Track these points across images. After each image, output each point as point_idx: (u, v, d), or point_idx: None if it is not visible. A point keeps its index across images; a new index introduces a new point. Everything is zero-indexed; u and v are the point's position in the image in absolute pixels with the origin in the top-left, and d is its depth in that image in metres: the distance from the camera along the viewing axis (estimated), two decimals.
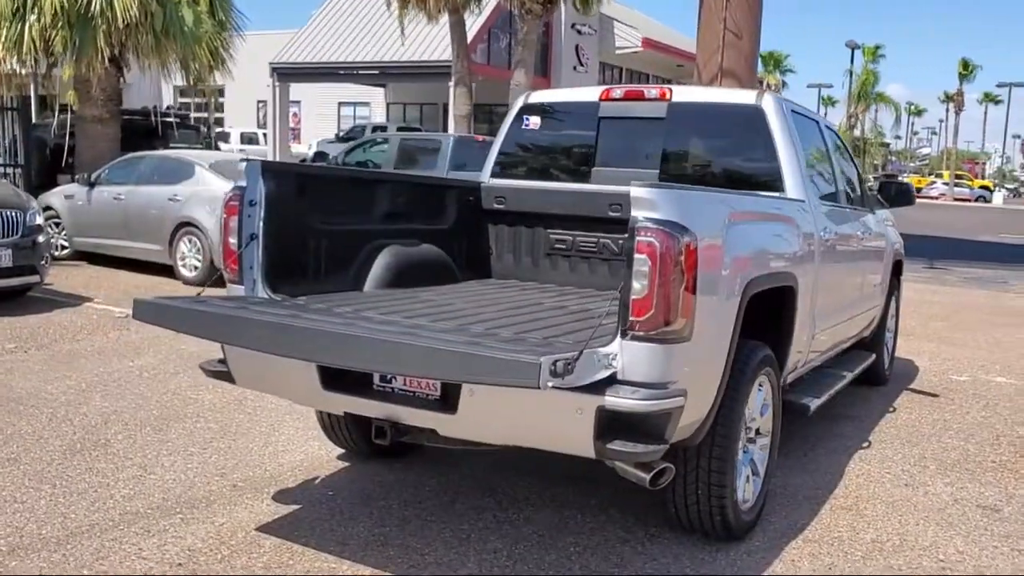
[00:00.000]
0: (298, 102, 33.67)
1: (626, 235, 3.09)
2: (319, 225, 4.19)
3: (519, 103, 5.42)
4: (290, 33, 31.27)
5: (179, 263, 10.47)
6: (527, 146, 5.48)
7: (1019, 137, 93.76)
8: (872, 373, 6.57)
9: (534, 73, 31.09)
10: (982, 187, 65.41)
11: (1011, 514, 4.45)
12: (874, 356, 6.49)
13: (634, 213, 3.05)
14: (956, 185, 61.84)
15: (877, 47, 62.39)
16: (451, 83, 26.65)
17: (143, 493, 4.18)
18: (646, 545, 3.85)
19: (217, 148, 21.20)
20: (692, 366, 3.21)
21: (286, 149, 29.30)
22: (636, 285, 3.03)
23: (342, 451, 4.80)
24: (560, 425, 3.10)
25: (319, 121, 35.50)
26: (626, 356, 3.07)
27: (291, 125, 32.31)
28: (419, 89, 31.96)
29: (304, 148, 31.91)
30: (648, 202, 3.05)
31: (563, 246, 5.21)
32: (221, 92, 30.69)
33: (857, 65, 58.01)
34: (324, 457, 4.77)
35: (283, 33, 31.09)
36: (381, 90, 34.33)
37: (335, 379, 3.48)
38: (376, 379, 3.51)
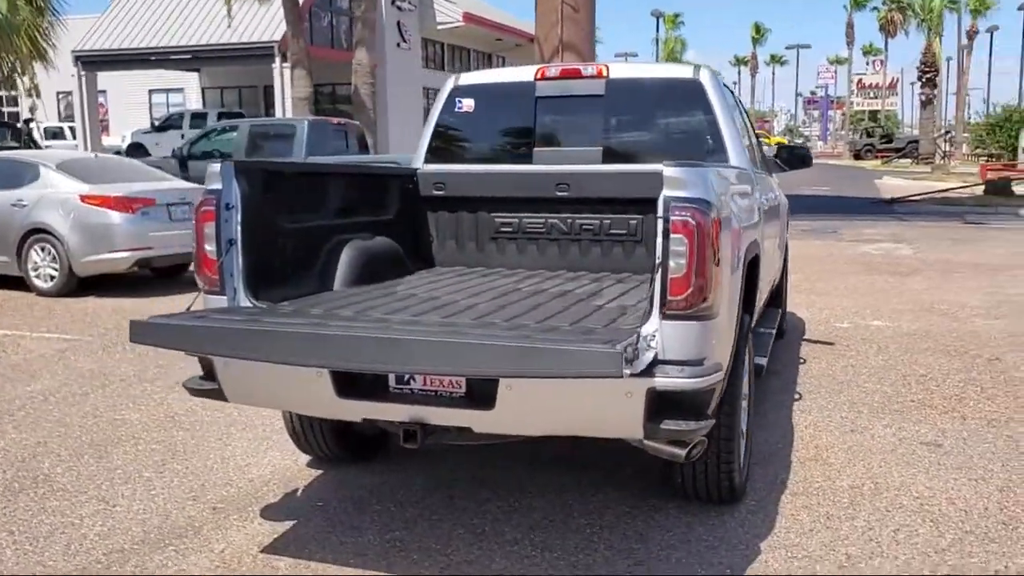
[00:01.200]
0: (103, 91, 31.48)
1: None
2: (288, 224, 3.98)
3: (449, 85, 5.31)
4: (92, 18, 29.12)
5: (31, 274, 9.61)
6: (461, 129, 5.38)
7: (801, 95, 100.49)
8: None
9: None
10: (779, 144, 69.90)
11: (952, 448, 4.83)
12: (781, 311, 6.86)
13: (666, 192, 3.08)
14: None
15: (677, 15, 65.54)
16: (275, 64, 25.84)
17: (118, 528, 3.85)
18: (655, 517, 3.93)
19: (36, 146, 19.54)
20: (718, 340, 3.28)
21: (98, 142, 27.38)
22: (673, 264, 3.06)
23: (308, 459, 4.60)
24: (608, 410, 3.10)
25: (128, 110, 33.36)
26: (664, 336, 3.10)
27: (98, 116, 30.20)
28: (236, 72, 30.57)
29: (116, 140, 29.95)
30: (679, 181, 3.08)
31: (509, 229, 5.17)
32: (13, 84, 28.41)
33: (660, 33, 60.42)
34: (292, 467, 4.55)
35: (84, 18, 28.85)
36: (195, 75, 32.62)
37: (350, 386, 3.32)
38: (392, 381, 3.37)
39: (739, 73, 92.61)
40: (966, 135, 50.36)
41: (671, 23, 64.39)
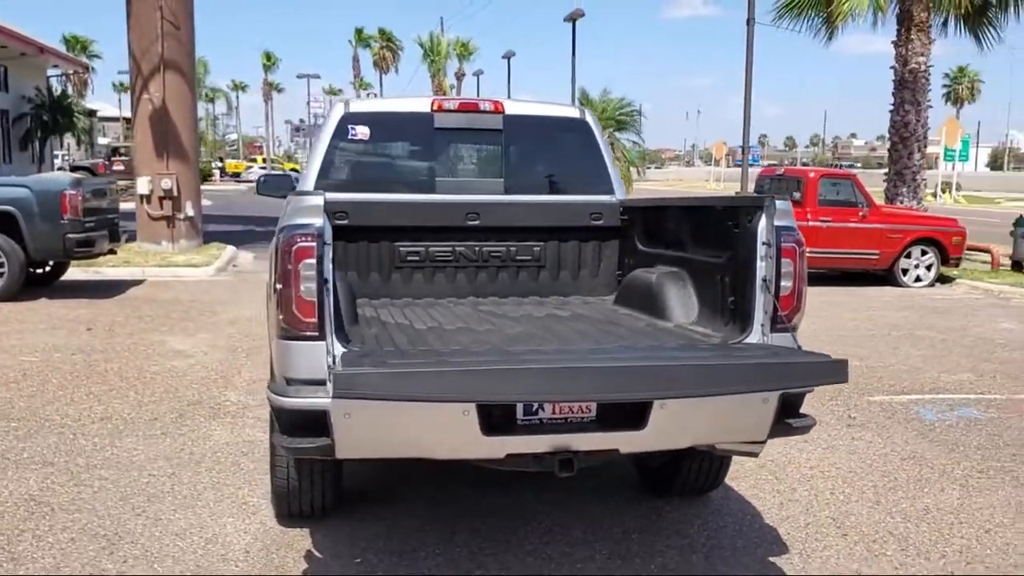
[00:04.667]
0: None
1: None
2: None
3: (338, 112, 5.07)
4: None
5: None
6: (354, 157, 5.17)
7: (290, 122, 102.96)
8: None
9: None
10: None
11: None
12: None
13: (777, 223, 3.57)
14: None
15: None
16: None
17: None
18: (666, 516, 4.34)
19: None
20: None
21: None
22: (784, 284, 3.57)
23: (271, 518, 4.17)
24: (747, 417, 3.45)
25: None
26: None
27: None
28: None
29: None
30: (785, 212, 3.60)
31: (416, 258, 5.13)
32: None
33: None
34: (267, 530, 4.09)
35: None
36: None
37: (494, 422, 3.25)
38: (520, 413, 3.37)
39: (237, 97, 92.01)
40: None
41: None
